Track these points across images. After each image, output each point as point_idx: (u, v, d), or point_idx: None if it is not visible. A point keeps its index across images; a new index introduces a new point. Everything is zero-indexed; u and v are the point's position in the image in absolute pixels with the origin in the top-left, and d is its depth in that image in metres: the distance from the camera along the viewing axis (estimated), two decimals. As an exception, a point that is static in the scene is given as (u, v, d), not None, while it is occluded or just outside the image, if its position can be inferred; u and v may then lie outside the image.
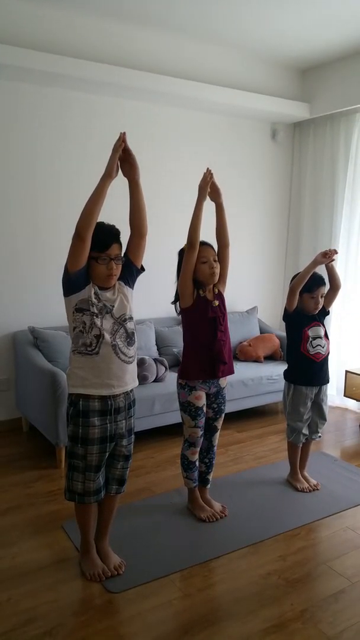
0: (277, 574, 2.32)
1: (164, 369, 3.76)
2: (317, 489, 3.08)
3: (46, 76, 3.47)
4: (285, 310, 2.96)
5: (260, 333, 4.67)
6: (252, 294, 4.97)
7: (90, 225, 1.99)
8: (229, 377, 2.77)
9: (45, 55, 3.33)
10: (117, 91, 3.82)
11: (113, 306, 2.12)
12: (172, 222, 4.05)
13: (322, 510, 2.85)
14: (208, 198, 2.53)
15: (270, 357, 4.47)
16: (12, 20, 3.36)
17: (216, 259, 2.56)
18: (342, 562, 2.41)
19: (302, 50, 4.20)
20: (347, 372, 4.29)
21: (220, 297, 2.62)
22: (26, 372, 3.59)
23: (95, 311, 2.07)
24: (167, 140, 4.25)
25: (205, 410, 2.67)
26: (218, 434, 2.80)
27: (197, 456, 2.73)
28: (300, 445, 3.09)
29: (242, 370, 3.99)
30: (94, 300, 2.07)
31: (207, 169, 2.53)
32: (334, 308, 3.53)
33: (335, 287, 2.98)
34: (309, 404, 3.00)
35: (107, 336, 2.08)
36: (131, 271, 2.21)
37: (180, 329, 2.96)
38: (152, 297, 4.03)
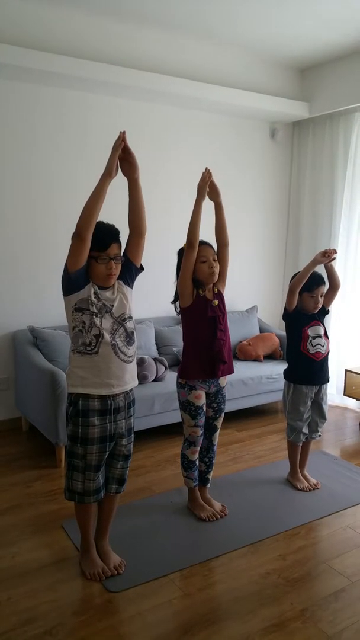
0: (277, 573, 2.32)
1: (163, 368, 3.76)
2: (317, 488, 3.08)
3: (44, 75, 3.46)
4: (285, 309, 2.96)
5: (260, 332, 4.67)
6: (251, 293, 4.97)
7: (91, 224, 1.99)
8: (229, 377, 2.77)
9: (43, 54, 3.32)
10: (115, 90, 3.82)
11: (112, 306, 2.12)
12: (171, 222, 4.06)
13: (322, 509, 2.85)
14: (207, 197, 2.53)
15: (270, 357, 4.48)
16: (10, 19, 3.35)
17: (215, 258, 2.56)
18: (342, 561, 2.41)
19: (301, 49, 4.20)
20: (346, 371, 4.29)
21: (219, 296, 2.63)
22: (26, 372, 3.59)
23: (95, 311, 2.07)
24: (165, 140, 4.25)
25: (205, 410, 2.67)
26: (218, 433, 2.80)
27: (197, 455, 2.73)
28: (300, 445, 3.09)
29: (242, 370, 4.00)
30: (93, 299, 2.07)
31: (206, 168, 2.53)
32: (333, 307, 3.53)
33: (334, 286, 2.98)
34: (309, 403, 3.00)
35: (107, 336, 2.08)
36: (130, 270, 2.21)
37: (179, 328, 2.96)
38: (152, 297, 4.03)
